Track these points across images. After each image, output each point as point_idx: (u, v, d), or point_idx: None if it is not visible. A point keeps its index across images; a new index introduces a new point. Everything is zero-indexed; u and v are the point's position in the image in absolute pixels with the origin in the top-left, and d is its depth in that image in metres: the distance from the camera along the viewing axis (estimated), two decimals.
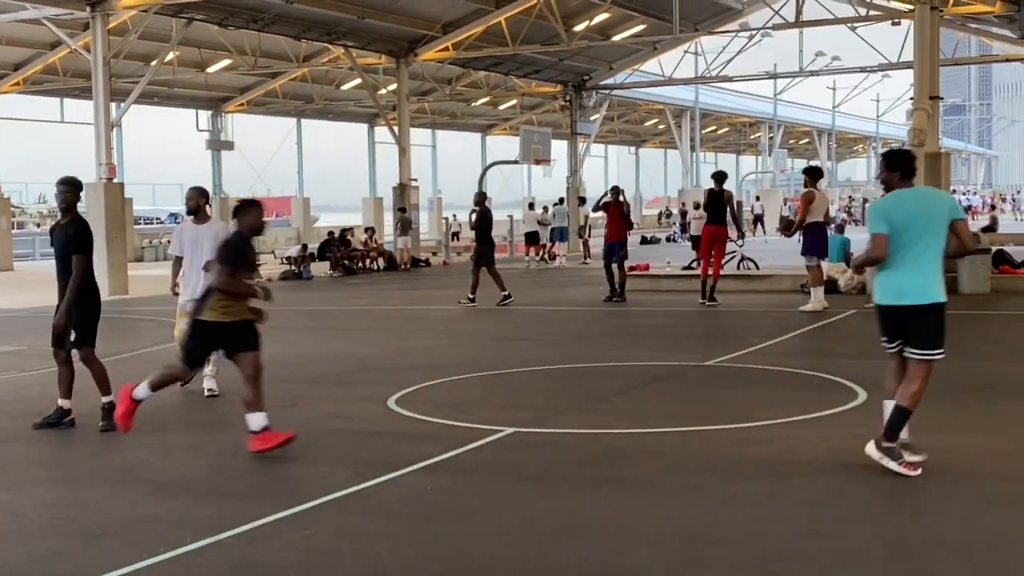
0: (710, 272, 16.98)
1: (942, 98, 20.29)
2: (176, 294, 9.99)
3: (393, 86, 33.77)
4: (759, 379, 10.42)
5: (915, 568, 5.02)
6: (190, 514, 6.22)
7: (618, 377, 10.76)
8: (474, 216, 19.95)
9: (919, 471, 6.41)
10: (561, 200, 33.24)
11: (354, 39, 29.70)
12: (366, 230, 32.30)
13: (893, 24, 29.40)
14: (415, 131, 35.38)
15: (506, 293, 17.91)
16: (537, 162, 31.75)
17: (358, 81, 36.17)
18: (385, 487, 6.61)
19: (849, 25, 31.62)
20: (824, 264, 16.75)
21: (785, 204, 49.07)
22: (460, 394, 9.94)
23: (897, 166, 6.75)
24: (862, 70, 40.21)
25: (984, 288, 17.86)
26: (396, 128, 31.94)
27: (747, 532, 5.59)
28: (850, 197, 61.63)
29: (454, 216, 38.93)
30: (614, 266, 18.07)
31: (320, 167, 58.96)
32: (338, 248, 28.85)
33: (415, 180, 31.99)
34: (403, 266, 29.72)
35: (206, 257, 9.13)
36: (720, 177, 17.63)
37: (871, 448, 6.60)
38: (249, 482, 7.03)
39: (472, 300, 17.95)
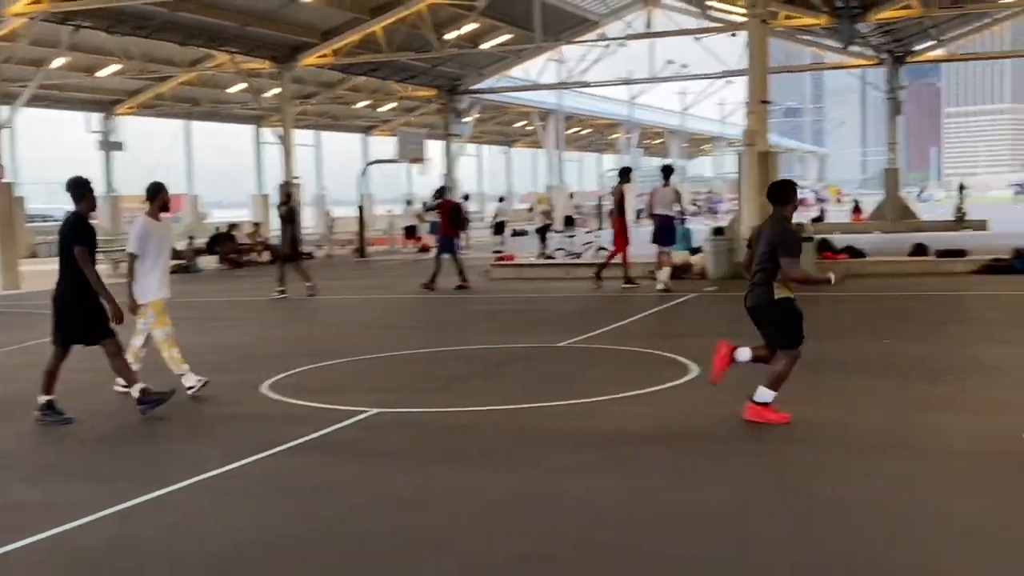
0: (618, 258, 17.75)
1: (771, 102, 20.90)
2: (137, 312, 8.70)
3: (278, 90, 33.26)
4: (604, 358, 10.63)
5: (727, 530, 5.20)
6: (63, 497, 6.10)
7: (476, 360, 10.85)
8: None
9: None
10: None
11: (238, 45, 29.14)
12: (253, 225, 31.76)
13: (731, 35, 30.18)
14: (299, 132, 34.87)
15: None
16: (413, 161, 31.67)
17: (244, 85, 35.52)
18: (252, 467, 6.58)
19: (694, 36, 32.55)
20: (672, 252, 17.44)
21: (638, 198, 49.98)
22: (330, 379, 9.91)
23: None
24: (706, 76, 41.14)
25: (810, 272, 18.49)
26: (281, 129, 31.51)
27: (575, 500, 5.73)
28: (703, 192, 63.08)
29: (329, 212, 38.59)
30: (446, 256, 18.62)
31: (210, 166, 57.65)
32: (225, 243, 28.32)
33: (298, 178, 31.57)
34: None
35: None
36: (667, 170, 18.06)
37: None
38: (121, 465, 6.91)
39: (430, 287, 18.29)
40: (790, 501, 5.61)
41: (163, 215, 9.17)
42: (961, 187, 43.29)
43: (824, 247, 20.60)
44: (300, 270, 18.40)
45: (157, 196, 8.97)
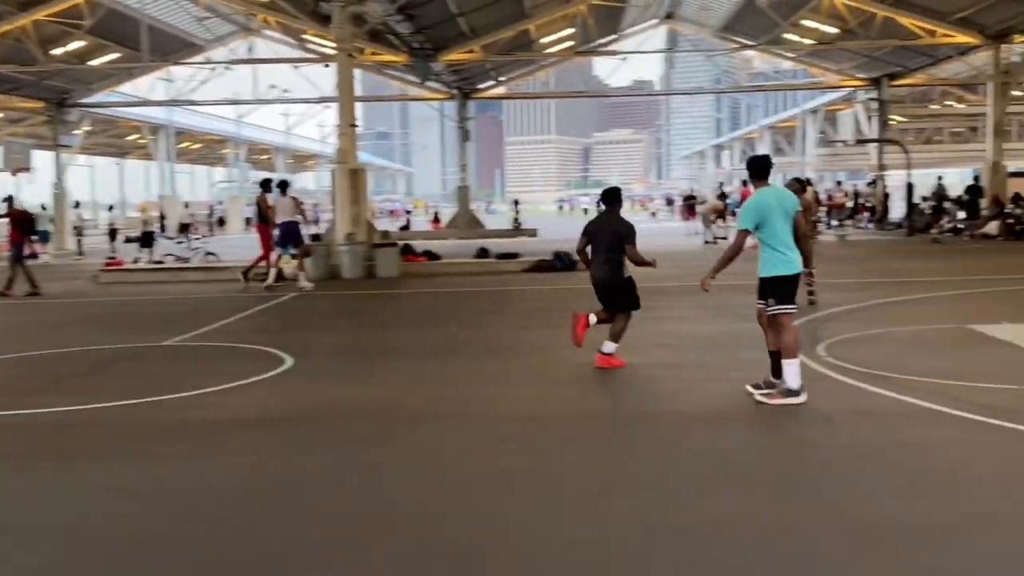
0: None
1: (358, 125, 21.24)
2: None
3: None
4: (208, 354, 10.27)
5: (310, 496, 5.25)
6: None
7: (85, 360, 10.04)
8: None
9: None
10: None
11: None
12: None
13: (325, 66, 30.24)
14: None
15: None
16: (16, 171, 28.56)
17: None
18: None
19: (292, 64, 32.27)
20: (275, 255, 17.32)
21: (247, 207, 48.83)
22: None
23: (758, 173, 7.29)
24: (305, 100, 40.87)
25: (395, 272, 19.02)
26: None
27: (174, 482, 5.52)
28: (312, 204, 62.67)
29: None
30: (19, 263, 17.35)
31: None
32: None
33: None
34: None
35: None
36: (283, 184, 17.47)
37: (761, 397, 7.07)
38: None
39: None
40: (356, 467, 5.77)
41: None
42: (515, 202, 46.50)
43: (407, 251, 21.30)
44: None
45: None
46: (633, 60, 44.74)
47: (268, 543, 4.53)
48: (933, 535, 4.38)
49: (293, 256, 17.45)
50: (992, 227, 26.39)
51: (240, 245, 27.86)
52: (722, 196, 35.69)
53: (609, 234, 8.64)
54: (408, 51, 30.56)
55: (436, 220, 46.77)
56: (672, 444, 6.08)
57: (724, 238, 30.53)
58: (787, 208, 7.12)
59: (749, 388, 7.32)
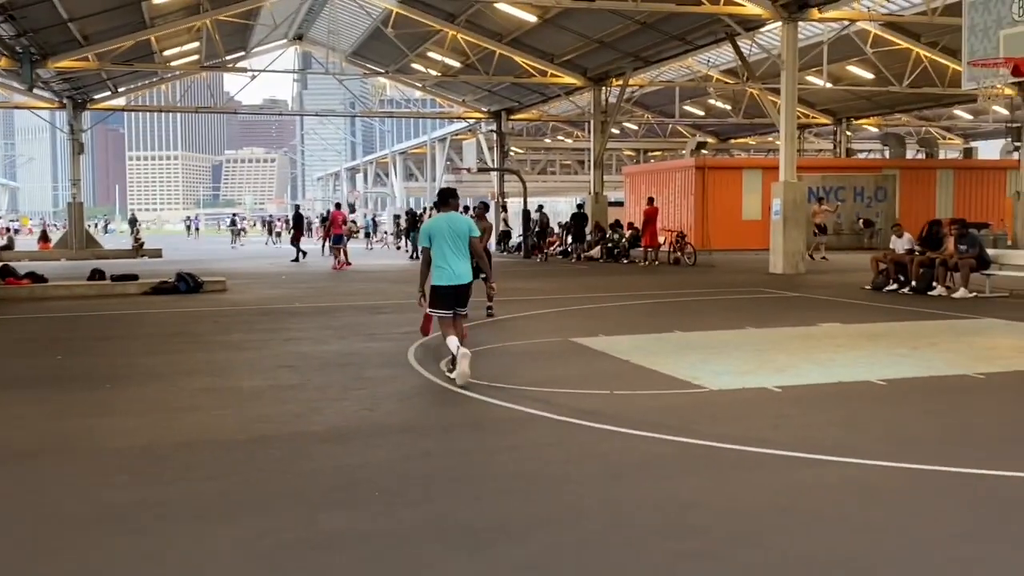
0: None
1: None
2: None
3: None
4: None
5: None
6: None
7: None
8: None
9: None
10: None
11: None
12: None
13: None
14: None
15: None
16: None
17: None
18: None
19: None
20: None
21: None
22: None
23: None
24: None
25: None
26: None
27: None
28: None
29: None
30: None
31: None
32: None
33: None
34: None
35: None
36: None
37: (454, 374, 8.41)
38: None
39: None
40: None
41: None
42: (132, 220, 43.74)
43: (6, 273, 19.19)
44: None
45: None
46: (265, 78, 44.07)
47: None
48: (529, 529, 4.74)
49: None
50: (595, 251, 29.28)
51: None
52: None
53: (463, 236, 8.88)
54: (10, 55, 27.60)
55: (45, 239, 42.57)
56: (291, 464, 6.03)
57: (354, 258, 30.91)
58: (457, 230, 8.61)
59: (443, 368, 9.03)
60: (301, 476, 5.76)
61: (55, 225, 67.02)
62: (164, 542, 4.64)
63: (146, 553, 4.50)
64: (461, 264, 8.62)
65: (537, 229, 33.56)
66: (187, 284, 18.62)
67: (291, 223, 32.80)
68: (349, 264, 27.75)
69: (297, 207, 45.79)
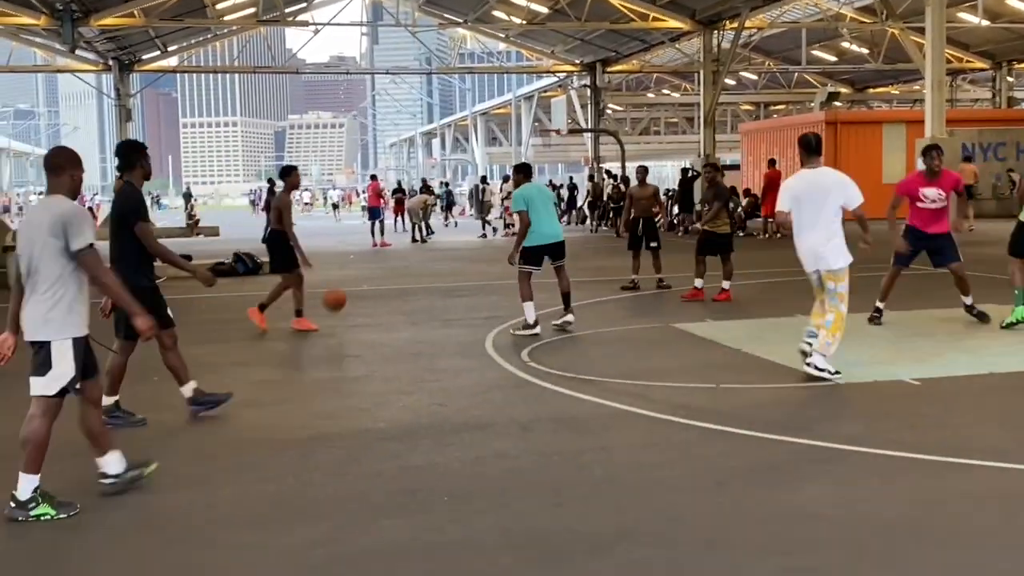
0: None
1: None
2: None
3: None
4: None
5: None
6: None
7: None
8: None
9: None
10: None
11: None
12: None
13: None
14: None
15: None
16: None
17: None
18: None
19: None
20: None
21: None
22: None
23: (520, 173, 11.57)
24: None
25: None
26: None
27: None
28: None
29: None
30: None
31: None
32: None
33: None
34: None
35: None
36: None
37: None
38: None
39: None
40: None
41: None
42: (187, 195, 45.03)
43: None
44: None
45: None
46: (331, 33, 44.73)
47: None
48: (616, 542, 4.75)
49: None
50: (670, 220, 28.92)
51: None
52: (427, 189, 36.49)
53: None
54: (50, 12, 28.65)
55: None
56: (351, 466, 6.16)
57: (432, 233, 31.26)
58: (546, 197, 11.37)
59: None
60: (362, 479, 5.89)
61: (103, 201, 69.42)
62: (208, 552, 4.80)
63: (186, 564, 4.66)
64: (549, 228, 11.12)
65: (589, 199, 33.78)
66: (246, 266, 19.10)
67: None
68: (388, 244, 28.12)
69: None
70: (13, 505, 5.22)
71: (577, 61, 40.53)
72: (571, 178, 43.15)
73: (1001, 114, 39.24)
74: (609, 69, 40.20)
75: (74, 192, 5.54)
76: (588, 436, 6.76)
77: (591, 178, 37.48)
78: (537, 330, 10.76)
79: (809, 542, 4.70)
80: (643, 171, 15.29)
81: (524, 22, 35.94)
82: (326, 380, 8.84)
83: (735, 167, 38.36)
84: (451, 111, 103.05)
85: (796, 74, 48.66)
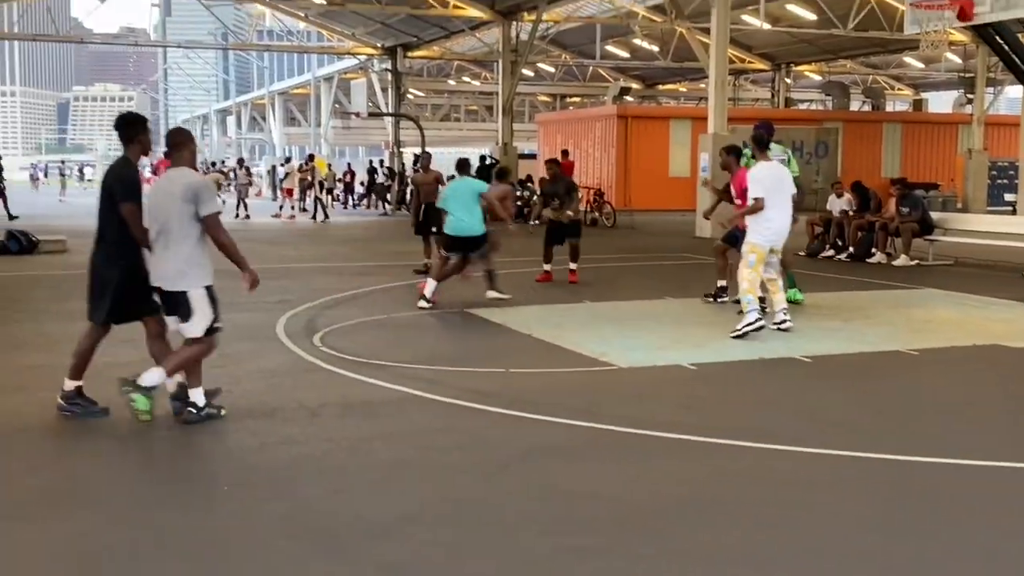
0: None
1: None
2: None
3: None
4: None
5: None
6: None
7: None
8: None
9: None
10: None
11: None
12: None
13: None
14: None
15: None
16: None
17: None
18: None
19: None
20: None
21: None
22: None
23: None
24: None
25: None
26: None
27: None
28: None
29: None
30: None
31: None
32: None
33: None
34: None
35: None
36: None
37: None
38: None
39: None
40: None
41: None
42: None
43: None
44: None
45: None
46: (120, 2, 42.73)
47: None
48: (391, 527, 4.75)
49: None
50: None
51: None
52: (241, 164, 35.33)
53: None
54: None
55: None
56: (131, 453, 5.92)
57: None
58: (460, 193, 12.16)
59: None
60: (136, 467, 5.66)
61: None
62: None
63: None
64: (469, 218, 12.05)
65: (389, 183, 34.35)
66: (19, 244, 18.00)
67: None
68: None
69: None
70: (193, 411, 6.47)
71: (378, 44, 40.21)
72: (371, 161, 42.81)
73: (780, 113, 41.52)
74: (410, 54, 40.09)
75: (193, 164, 6.68)
76: (377, 421, 6.72)
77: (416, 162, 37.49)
78: (428, 306, 11.47)
79: (585, 520, 4.84)
80: (427, 157, 15.67)
81: (325, 2, 35.33)
82: (99, 366, 8.43)
83: (532, 156, 39.01)
84: (248, 89, 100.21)
85: (591, 68, 49.90)
